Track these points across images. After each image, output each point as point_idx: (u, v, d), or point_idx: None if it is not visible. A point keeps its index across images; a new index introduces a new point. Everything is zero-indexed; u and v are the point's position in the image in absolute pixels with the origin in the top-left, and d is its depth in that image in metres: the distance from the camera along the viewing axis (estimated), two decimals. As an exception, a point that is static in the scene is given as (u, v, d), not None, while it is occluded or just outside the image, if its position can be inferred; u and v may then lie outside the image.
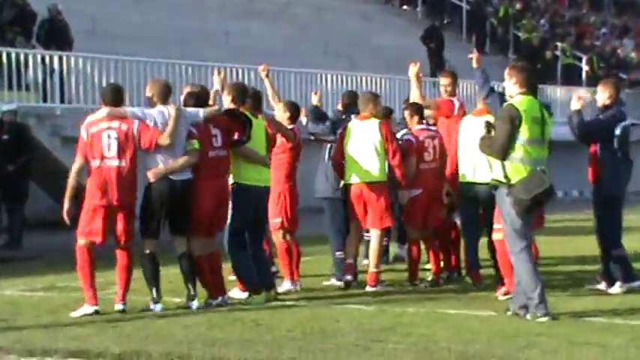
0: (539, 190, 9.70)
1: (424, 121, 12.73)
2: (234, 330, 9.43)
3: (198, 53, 23.44)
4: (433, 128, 12.69)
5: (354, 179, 11.91)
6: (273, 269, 12.20)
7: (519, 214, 9.75)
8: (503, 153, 9.77)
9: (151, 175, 10.42)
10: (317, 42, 29.96)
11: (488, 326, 9.43)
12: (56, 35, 20.93)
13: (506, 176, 9.75)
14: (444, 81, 12.84)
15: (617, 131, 11.57)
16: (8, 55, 19.40)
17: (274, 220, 11.89)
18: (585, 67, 34.97)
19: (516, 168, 9.73)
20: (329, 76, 24.43)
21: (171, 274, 11.14)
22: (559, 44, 35.23)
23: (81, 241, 10.41)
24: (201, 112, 10.69)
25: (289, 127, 12.03)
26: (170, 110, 10.47)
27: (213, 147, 10.69)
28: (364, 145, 11.88)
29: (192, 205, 10.57)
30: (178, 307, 10.63)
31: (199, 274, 10.69)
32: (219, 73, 11.51)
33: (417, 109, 12.59)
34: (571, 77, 34.06)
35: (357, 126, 12.00)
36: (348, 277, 11.95)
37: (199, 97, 10.91)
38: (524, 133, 9.72)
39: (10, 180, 17.13)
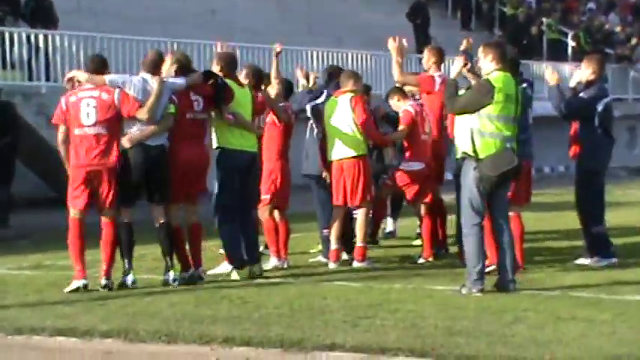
0: (507, 167, 9.77)
1: (415, 98, 12.76)
2: (222, 307, 9.44)
3: (183, 31, 23.36)
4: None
5: (334, 156, 11.91)
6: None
7: (484, 189, 9.80)
8: (458, 113, 10.02)
9: (125, 141, 10.43)
10: (302, 20, 29.88)
11: (475, 302, 9.46)
12: (41, 13, 20.84)
13: (474, 150, 9.80)
14: (426, 56, 12.80)
15: (599, 108, 11.60)
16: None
17: (263, 197, 11.90)
18: (571, 43, 34.95)
19: (486, 143, 9.77)
20: (315, 54, 24.38)
21: (156, 252, 11.12)
22: (545, 20, 35.20)
23: (72, 213, 10.44)
24: (181, 80, 10.70)
25: (281, 104, 12.03)
26: (153, 83, 10.47)
27: (194, 110, 10.73)
28: (341, 120, 11.88)
29: (169, 171, 10.59)
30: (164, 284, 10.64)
31: (176, 244, 10.70)
32: (222, 46, 11.55)
33: (403, 93, 12.58)
34: (557, 53, 34.04)
35: (334, 102, 12.01)
36: (332, 265, 11.94)
37: (183, 66, 10.87)
38: (496, 109, 9.75)
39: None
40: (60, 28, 20.85)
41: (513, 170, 9.87)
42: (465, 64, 10.31)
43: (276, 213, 12.10)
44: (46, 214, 17.54)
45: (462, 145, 10.00)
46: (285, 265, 11.92)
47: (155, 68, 10.66)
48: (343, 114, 11.86)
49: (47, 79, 19.92)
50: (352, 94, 11.90)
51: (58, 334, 8.52)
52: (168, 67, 10.87)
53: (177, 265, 10.79)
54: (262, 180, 11.84)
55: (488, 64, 9.96)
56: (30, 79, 19.86)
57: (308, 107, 12.41)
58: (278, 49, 12.29)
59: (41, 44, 19.84)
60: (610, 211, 12.02)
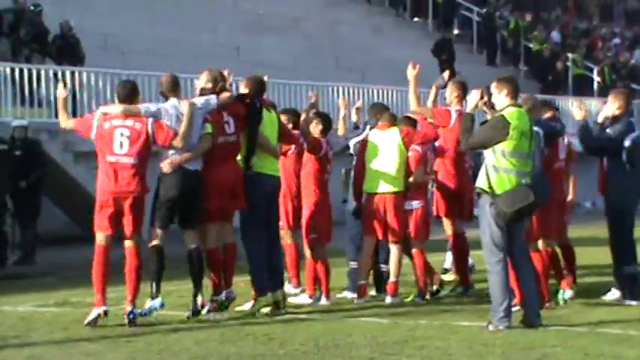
0: (523, 203, 9.72)
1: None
2: (247, 344, 9.41)
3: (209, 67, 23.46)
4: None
5: (374, 189, 11.85)
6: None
7: (501, 225, 9.75)
8: (471, 149, 10.18)
9: (166, 166, 10.46)
10: (328, 55, 30.00)
11: (502, 338, 9.39)
12: (68, 51, 21.04)
13: (490, 186, 9.76)
14: (449, 90, 12.73)
15: (626, 144, 11.53)
16: (21, 71, 19.48)
17: (308, 237, 11.89)
18: (597, 78, 34.92)
19: (501, 179, 9.74)
20: (340, 89, 24.44)
21: (182, 288, 11.11)
22: (570, 55, 35.20)
23: (97, 239, 10.47)
24: (213, 98, 10.72)
25: (321, 139, 12.02)
26: (183, 106, 10.50)
27: (225, 133, 10.74)
28: (386, 154, 11.85)
29: (204, 195, 10.61)
30: (192, 321, 10.62)
31: (211, 267, 10.70)
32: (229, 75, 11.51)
33: (414, 123, 12.53)
34: (583, 88, 34.01)
35: (379, 135, 11.99)
36: (358, 301, 11.87)
37: (216, 80, 10.88)
38: (511, 145, 9.71)
39: (22, 196, 17.16)
40: (86, 65, 21.01)
41: (529, 206, 9.82)
42: (482, 97, 10.21)
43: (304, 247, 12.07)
44: (72, 251, 17.58)
45: (477, 181, 9.97)
46: (328, 302, 11.83)
47: (175, 90, 10.72)
48: (389, 148, 11.85)
49: (74, 115, 20.01)
50: (398, 128, 11.90)
51: (84, 371, 8.51)
52: (203, 84, 10.91)
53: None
54: (303, 214, 11.87)
55: (502, 99, 9.92)
56: (57, 116, 19.94)
57: (351, 144, 12.41)
58: (313, 100, 12.33)
59: (67, 81, 19.97)
60: None
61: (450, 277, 13.37)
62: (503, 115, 9.81)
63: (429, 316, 10.81)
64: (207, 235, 10.75)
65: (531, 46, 35.54)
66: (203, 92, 10.89)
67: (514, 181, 9.74)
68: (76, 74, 20.14)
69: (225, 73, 11.40)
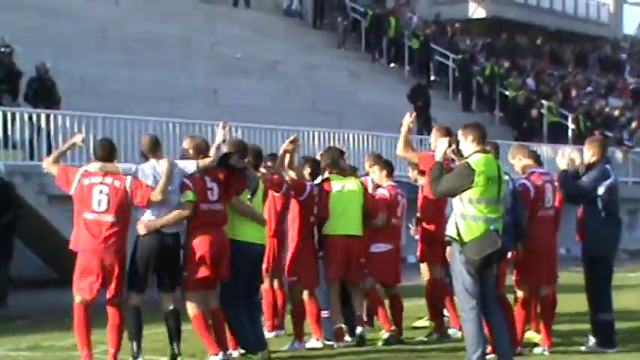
0: (491, 250, 9.69)
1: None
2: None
3: (186, 111, 23.50)
4: (404, 184, 12.80)
5: (337, 231, 11.95)
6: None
7: (472, 272, 9.74)
8: (440, 196, 10.18)
9: (141, 228, 10.35)
10: (305, 99, 30.09)
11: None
12: (44, 94, 20.98)
13: (459, 234, 9.74)
14: (434, 136, 12.71)
15: (600, 191, 11.55)
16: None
17: (290, 279, 11.85)
18: (572, 126, 35.14)
19: (469, 226, 9.70)
20: (317, 134, 24.49)
21: (158, 332, 11.02)
22: (545, 102, 35.44)
23: (77, 299, 10.34)
24: (193, 163, 10.63)
25: (308, 182, 11.98)
26: (162, 165, 10.46)
27: (208, 200, 10.59)
28: (350, 199, 12.01)
29: (186, 260, 10.50)
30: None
31: (199, 331, 10.56)
32: (224, 126, 11.39)
33: (387, 164, 12.57)
34: (557, 135, 34.21)
35: (338, 181, 12.09)
36: (340, 344, 11.86)
37: (199, 148, 10.80)
38: (478, 192, 9.67)
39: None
40: (62, 108, 20.94)
41: (497, 253, 9.79)
42: (450, 145, 10.19)
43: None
44: (45, 294, 17.45)
45: (447, 229, 9.95)
46: (320, 345, 11.81)
47: (155, 151, 10.62)
48: (352, 193, 11.95)
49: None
50: (358, 179, 12.03)
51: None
52: (186, 149, 10.87)
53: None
54: (288, 260, 11.86)
55: (468, 146, 9.89)
56: (31, 158, 19.90)
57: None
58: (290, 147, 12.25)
59: (43, 124, 19.91)
60: (620, 292, 11.93)
61: (423, 322, 13.34)
62: (467, 163, 9.77)
63: (404, 362, 10.76)
64: (190, 303, 10.57)
65: (507, 92, 35.76)
66: (185, 157, 10.82)
67: (482, 228, 9.68)
68: (52, 117, 20.06)
69: (220, 127, 11.24)
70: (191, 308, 10.53)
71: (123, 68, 26.30)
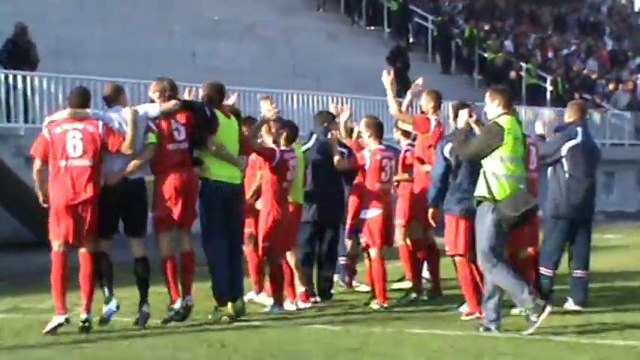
0: (527, 207, 9.91)
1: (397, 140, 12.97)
2: (201, 351, 9.39)
3: (164, 73, 23.27)
4: (392, 148, 12.75)
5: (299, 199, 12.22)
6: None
7: (499, 232, 9.86)
8: (470, 157, 10.31)
9: (109, 179, 10.45)
10: (284, 62, 30.01)
11: (454, 346, 9.44)
12: (20, 55, 20.82)
13: (490, 192, 9.92)
14: (425, 99, 12.72)
15: (563, 152, 11.68)
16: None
17: (263, 244, 11.86)
18: (550, 88, 35.20)
19: (501, 185, 9.93)
20: (296, 96, 24.46)
21: (136, 294, 11.03)
22: (524, 65, 35.47)
23: (54, 246, 10.40)
24: (155, 107, 10.73)
25: (286, 148, 11.96)
26: (125, 114, 10.50)
27: (175, 140, 10.69)
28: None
29: (156, 200, 10.60)
30: (145, 327, 10.58)
31: (165, 274, 10.66)
32: (189, 92, 11.54)
33: (378, 130, 12.52)
34: (536, 98, 34.28)
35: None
36: (307, 305, 11.99)
37: (164, 91, 10.83)
38: (507, 150, 9.95)
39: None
40: (40, 69, 20.83)
41: (531, 210, 10.03)
42: (470, 115, 10.50)
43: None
44: (23, 256, 17.44)
45: (476, 189, 10.10)
46: (294, 307, 11.84)
47: (118, 97, 10.75)
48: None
49: (25, 120, 19.88)
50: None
51: (35, 377, 8.44)
52: (151, 93, 10.94)
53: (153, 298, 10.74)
54: (260, 225, 11.84)
55: (495, 109, 10.19)
56: (8, 120, 19.80)
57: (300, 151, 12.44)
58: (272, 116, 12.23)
59: (19, 85, 19.79)
60: (595, 254, 12.05)
61: (403, 284, 13.42)
62: (496, 122, 10.07)
63: (382, 323, 10.83)
64: (160, 243, 10.72)
65: (486, 55, 35.76)
66: (152, 101, 10.90)
67: (514, 186, 9.95)
68: (28, 79, 19.95)
69: (186, 92, 11.51)
70: (162, 250, 10.66)
71: (100, 30, 26.14)
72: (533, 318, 9.87)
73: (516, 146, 10.03)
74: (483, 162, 10.07)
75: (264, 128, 11.97)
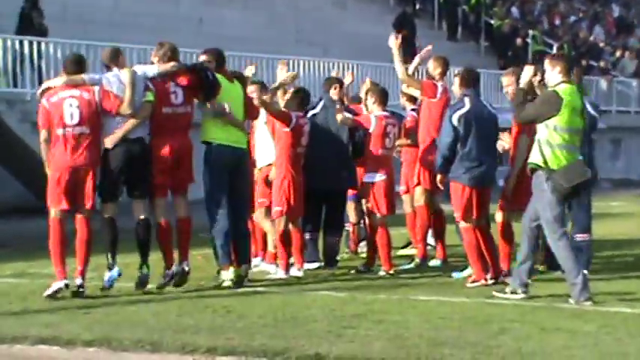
0: (581, 179, 9.82)
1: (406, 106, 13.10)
2: (205, 317, 9.41)
3: (170, 39, 23.20)
4: (396, 114, 12.71)
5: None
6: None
7: (558, 200, 9.83)
8: (525, 124, 10.30)
9: (108, 142, 10.46)
10: (290, 29, 29.90)
11: (460, 313, 9.46)
12: (29, 23, 20.81)
13: (545, 161, 9.83)
14: (432, 65, 12.68)
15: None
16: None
17: (275, 208, 11.85)
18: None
19: (555, 155, 9.81)
20: (302, 63, 24.39)
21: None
22: (530, 31, 35.32)
23: (52, 213, 10.44)
24: (154, 68, 10.72)
25: (299, 113, 11.95)
26: (123, 75, 10.49)
27: (171, 104, 10.67)
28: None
29: (150, 166, 10.60)
30: (149, 292, 10.61)
31: (160, 239, 10.72)
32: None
33: (382, 96, 12.49)
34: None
35: None
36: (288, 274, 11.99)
37: (165, 55, 10.82)
38: (564, 120, 9.79)
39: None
40: (48, 36, 20.79)
41: (586, 182, 9.94)
42: (535, 74, 10.27)
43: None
44: (29, 221, 17.46)
45: (530, 156, 10.01)
46: (301, 274, 11.82)
47: (116, 59, 10.70)
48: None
49: (32, 86, 19.85)
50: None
51: (42, 342, 8.46)
52: (152, 56, 10.96)
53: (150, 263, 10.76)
54: (273, 190, 11.83)
55: (555, 76, 9.99)
56: (15, 85, 19.78)
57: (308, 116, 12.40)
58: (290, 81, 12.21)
59: (26, 51, 19.77)
60: (594, 223, 12.02)
61: (409, 251, 13.44)
62: (555, 91, 9.89)
63: (388, 290, 10.85)
64: (155, 209, 10.73)
65: (492, 21, 35.61)
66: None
67: (569, 157, 9.82)
68: (35, 44, 19.90)
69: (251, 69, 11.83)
70: (156, 215, 10.69)
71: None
72: (571, 301, 9.82)
73: (573, 117, 9.80)
74: (538, 129, 9.91)
75: (279, 93, 11.98)
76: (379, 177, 12.10)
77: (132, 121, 10.46)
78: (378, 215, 12.12)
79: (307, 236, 12.32)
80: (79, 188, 10.37)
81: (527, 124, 10.32)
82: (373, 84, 13.01)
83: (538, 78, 10.45)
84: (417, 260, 12.64)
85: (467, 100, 11.10)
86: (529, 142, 10.87)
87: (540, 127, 9.90)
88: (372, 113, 12.26)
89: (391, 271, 12.00)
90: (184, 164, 10.75)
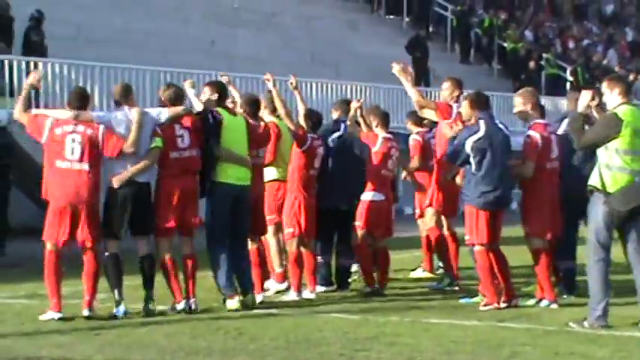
0: (636, 203, 9.71)
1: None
2: (217, 339, 9.39)
3: (182, 60, 23.38)
4: (397, 135, 12.77)
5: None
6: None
7: (613, 224, 9.78)
8: (585, 149, 10.10)
9: (115, 181, 10.50)
10: (303, 50, 29.95)
11: (472, 336, 9.42)
12: (30, 45, 20.91)
13: (603, 184, 9.76)
14: (450, 87, 12.56)
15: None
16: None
17: (287, 230, 11.86)
18: (570, 78, 35.05)
19: (614, 177, 9.72)
20: (314, 85, 24.41)
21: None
22: (543, 55, 35.31)
23: (48, 246, 10.50)
24: (164, 112, 10.75)
25: (314, 135, 11.97)
26: (133, 114, 10.51)
27: (177, 148, 10.72)
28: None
29: (156, 208, 10.67)
30: (160, 314, 10.59)
31: (166, 276, 10.77)
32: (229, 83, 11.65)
33: (384, 119, 12.54)
34: (555, 88, 34.13)
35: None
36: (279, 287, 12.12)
37: (169, 99, 10.89)
38: (624, 142, 9.71)
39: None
40: (58, 56, 20.84)
41: None
42: (593, 99, 10.16)
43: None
44: (41, 243, 17.42)
45: (589, 179, 9.91)
46: (314, 296, 11.81)
47: (127, 98, 10.74)
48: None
49: (46, 107, 19.85)
50: None
51: (53, 363, 8.46)
52: (162, 96, 11.02)
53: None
54: (284, 212, 11.85)
55: (614, 98, 9.90)
56: (29, 106, 19.77)
57: (330, 140, 12.38)
58: (294, 83, 12.22)
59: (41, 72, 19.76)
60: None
61: (421, 273, 13.43)
62: (615, 113, 9.79)
63: (400, 312, 10.82)
64: (159, 247, 10.78)
65: (505, 44, 35.62)
66: (162, 104, 10.97)
67: (627, 179, 9.72)
68: (49, 65, 19.94)
69: (224, 79, 11.83)
70: (161, 254, 10.74)
71: (118, 16, 26.13)
72: (586, 324, 9.79)
73: (634, 138, 9.69)
74: (598, 153, 9.82)
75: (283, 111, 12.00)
76: (377, 196, 12.11)
77: (140, 165, 10.50)
78: (360, 232, 12.14)
79: (320, 259, 12.29)
80: (79, 224, 10.37)
81: (587, 149, 10.20)
82: (375, 107, 13.11)
83: (596, 102, 10.25)
84: (447, 280, 12.57)
85: (482, 123, 11.05)
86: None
87: (600, 151, 9.80)
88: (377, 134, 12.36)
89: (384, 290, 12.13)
90: (191, 206, 10.81)
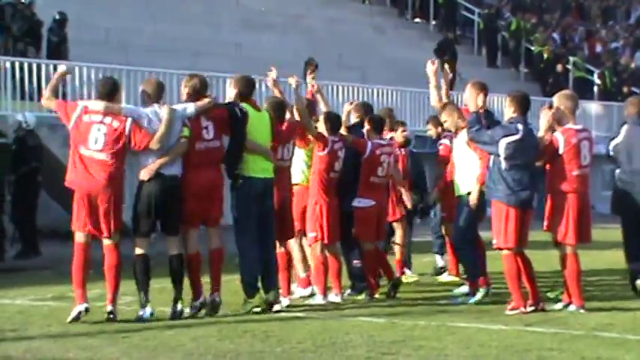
0: None
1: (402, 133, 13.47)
2: (245, 342, 9.42)
3: (210, 64, 23.46)
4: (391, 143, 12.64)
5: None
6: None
7: None
8: None
9: (144, 173, 10.52)
10: (329, 54, 29.94)
11: (498, 340, 9.40)
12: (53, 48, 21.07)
13: None
14: (475, 92, 12.42)
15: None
16: (21, 66, 19.45)
17: (310, 234, 11.87)
18: (597, 81, 34.91)
19: None
20: (341, 88, 24.43)
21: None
22: (571, 58, 35.19)
23: (78, 237, 10.54)
24: (190, 106, 10.76)
25: (335, 137, 11.95)
26: (163, 112, 10.54)
27: (203, 139, 10.75)
28: None
29: (181, 203, 10.66)
30: (186, 317, 10.63)
31: (191, 271, 10.77)
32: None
33: (378, 125, 12.47)
34: (583, 91, 33.98)
35: None
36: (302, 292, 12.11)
37: (194, 89, 10.89)
38: None
39: (15, 190, 17.13)
40: (88, 61, 20.97)
41: None
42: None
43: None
44: (70, 245, 17.52)
45: None
46: (340, 300, 11.82)
47: (159, 96, 10.79)
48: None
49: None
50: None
51: (81, 365, 8.51)
52: (183, 89, 11.02)
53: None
54: (307, 216, 11.84)
55: None
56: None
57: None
58: (294, 84, 12.22)
59: (68, 77, 19.86)
60: (616, 251, 11.99)
61: (448, 277, 13.43)
62: None
63: (427, 316, 10.81)
64: (187, 240, 10.79)
65: (532, 48, 35.52)
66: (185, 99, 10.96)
67: None
68: (77, 69, 20.03)
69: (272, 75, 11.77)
70: (188, 247, 10.75)
71: (147, 21, 26.27)
72: None
73: None
74: None
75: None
76: (367, 202, 12.05)
77: (170, 155, 10.52)
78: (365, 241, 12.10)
79: (356, 263, 12.27)
80: (101, 214, 10.41)
81: None
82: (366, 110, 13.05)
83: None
84: (482, 290, 12.38)
85: (520, 127, 10.97)
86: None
87: None
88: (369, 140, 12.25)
89: (376, 295, 12.08)
90: (216, 197, 10.84)
